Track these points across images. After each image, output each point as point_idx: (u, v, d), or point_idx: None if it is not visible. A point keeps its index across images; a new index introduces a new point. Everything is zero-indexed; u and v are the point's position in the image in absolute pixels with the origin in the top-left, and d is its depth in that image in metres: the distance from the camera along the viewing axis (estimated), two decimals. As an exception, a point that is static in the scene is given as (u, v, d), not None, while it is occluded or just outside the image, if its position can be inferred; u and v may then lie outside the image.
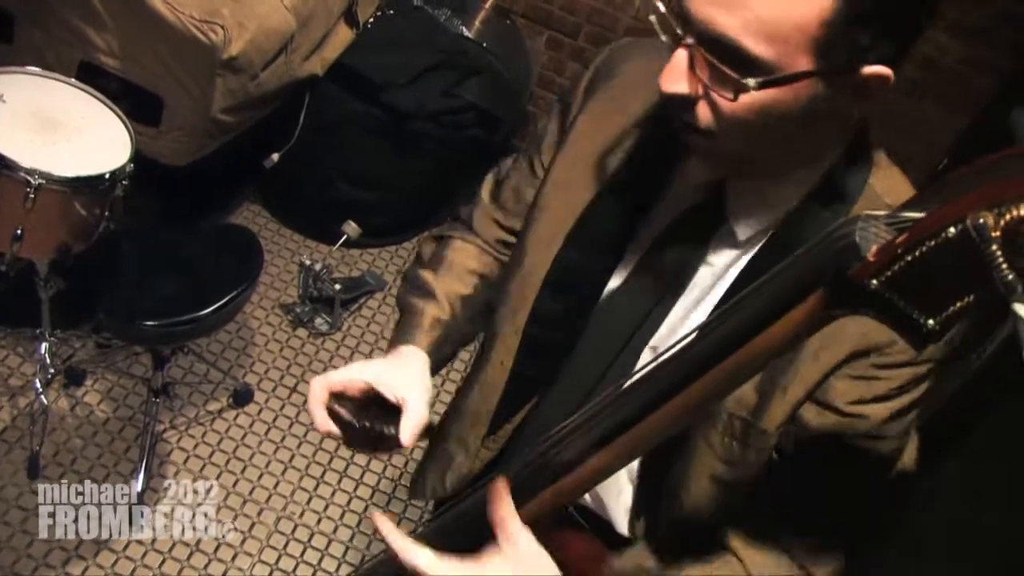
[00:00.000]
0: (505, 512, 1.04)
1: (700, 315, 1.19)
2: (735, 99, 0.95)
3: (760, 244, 1.14)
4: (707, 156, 1.11)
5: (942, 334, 0.70)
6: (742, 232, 1.15)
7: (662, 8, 1.00)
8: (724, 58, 0.94)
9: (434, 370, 1.37)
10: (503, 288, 1.39)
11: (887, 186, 1.12)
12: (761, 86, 0.93)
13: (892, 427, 1.12)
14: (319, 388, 1.24)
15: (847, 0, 0.89)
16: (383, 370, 1.28)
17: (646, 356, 1.24)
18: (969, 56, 3.92)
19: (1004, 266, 0.63)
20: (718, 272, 1.18)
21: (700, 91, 0.99)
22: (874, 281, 0.70)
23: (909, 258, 0.68)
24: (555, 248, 1.28)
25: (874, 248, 0.71)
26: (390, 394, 1.25)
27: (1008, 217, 0.63)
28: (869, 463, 1.14)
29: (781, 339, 0.82)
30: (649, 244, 1.23)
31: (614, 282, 1.26)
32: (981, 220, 0.63)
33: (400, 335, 1.40)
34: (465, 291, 1.46)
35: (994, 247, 0.63)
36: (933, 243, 0.66)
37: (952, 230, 0.65)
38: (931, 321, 0.69)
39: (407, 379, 1.28)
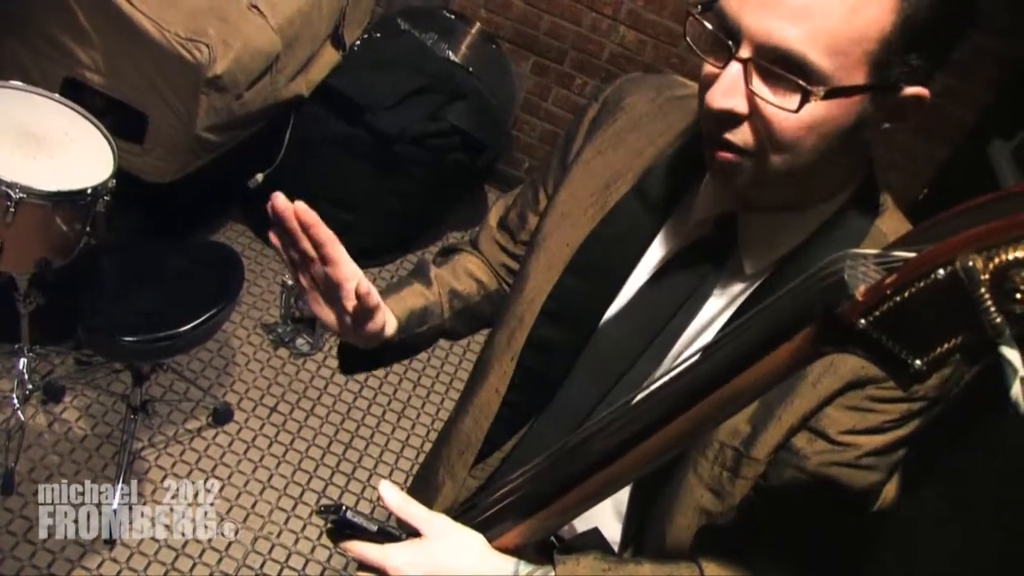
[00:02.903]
0: (411, 509, 1.13)
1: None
2: (798, 110, 0.94)
3: (764, 278, 1.14)
4: (738, 179, 1.06)
5: (929, 375, 0.70)
6: (750, 266, 1.15)
7: (709, 25, 0.99)
8: (788, 70, 0.93)
9: (404, 340, 1.37)
10: (503, 314, 1.38)
11: (892, 228, 1.12)
12: (827, 96, 0.93)
13: (880, 460, 1.12)
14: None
15: (905, 19, 0.91)
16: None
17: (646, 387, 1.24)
18: (949, 88, 3.96)
19: (992, 309, 0.63)
20: (723, 304, 1.18)
21: (750, 109, 0.98)
22: (862, 320, 0.70)
23: (898, 299, 0.68)
24: (555, 275, 1.28)
25: (863, 287, 0.71)
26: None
27: (997, 260, 0.63)
28: (852, 493, 1.14)
29: (767, 375, 0.82)
30: (652, 275, 1.23)
31: (613, 312, 1.25)
32: (970, 263, 0.63)
33: (382, 292, 1.38)
34: (459, 286, 1.47)
35: (983, 290, 0.63)
36: (922, 284, 0.67)
37: (941, 272, 0.65)
38: (918, 361, 0.69)
39: None
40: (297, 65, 3.39)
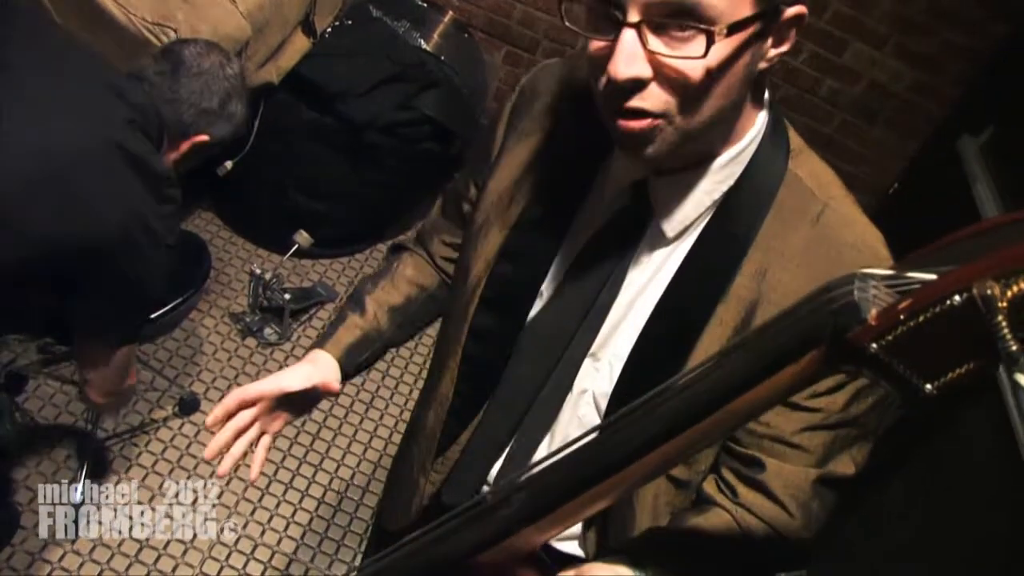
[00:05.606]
0: None
1: (637, 315, 1.21)
2: (705, 55, 0.95)
3: (693, 238, 1.17)
4: (650, 146, 1.06)
5: (940, 399, 0.69)
6: (670, 229, 1.17)
7: (585, 4, 1.01)
8: (683, 20, 0.95)
9: (351, 372, 1.46)
10: (451, 307, 1.42)
11: (808, 172, 1.16)
12: (729, 32, 0.94)
13: (843, 417, 1.16)
14: (232, 401, 1.32)
15: None
16: (287, 377, 1.36)
17: (587, 365, 1.27)
18: (918, 83, 3.98)
19: (1009, 337, 0.62)
20: (650, 271, 1.20)
21: (654, 70, 0.99)
22: (874, 345, 0.69)
23: (911, 324, 0.67)
24: (489, 264, 1.32)
25: (875, 311, 0.69)
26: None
27: (1015, 288, 0.62)
28: (829, 452, 1.19)
29: (771, 395, 0.80)
30: (578, 252, 1.25)
31: (546, 294, 1.29)
32: (988, 291, 0.62)
33: (319, 340, 1.47)
34: (397, 300, 1.52)
35: (1000, 318, 0.62)
36: (937, 310, 0.65)
37: (957, 298, 0.64)
38: (929, 386, 0.68)
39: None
40: (267, 52, 3.34)
